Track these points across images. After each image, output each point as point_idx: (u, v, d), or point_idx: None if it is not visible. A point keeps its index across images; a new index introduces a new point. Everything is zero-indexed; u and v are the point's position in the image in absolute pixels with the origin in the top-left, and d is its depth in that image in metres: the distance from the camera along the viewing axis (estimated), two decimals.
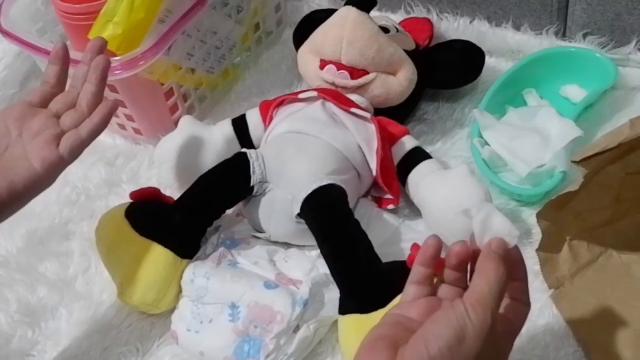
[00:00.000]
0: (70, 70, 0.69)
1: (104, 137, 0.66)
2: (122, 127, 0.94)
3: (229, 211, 0.77)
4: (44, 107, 0.66)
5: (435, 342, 0.43)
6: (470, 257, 0.49)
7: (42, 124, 0.64)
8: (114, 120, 0.91)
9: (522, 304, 0.50)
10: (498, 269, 0.46)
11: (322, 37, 0.81)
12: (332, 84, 0.82)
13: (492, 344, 0.45)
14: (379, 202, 0.80)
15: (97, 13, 0.80)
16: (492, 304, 0.45)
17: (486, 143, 0.84)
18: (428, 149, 0.82)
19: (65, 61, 0.69)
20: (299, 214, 0.71)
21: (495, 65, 0.96)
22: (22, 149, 0.63)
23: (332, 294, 0.69)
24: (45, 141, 0.63)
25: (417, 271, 0.51)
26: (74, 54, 0.70)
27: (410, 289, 0.51)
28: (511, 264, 0.48)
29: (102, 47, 0.69)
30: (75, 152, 0.64)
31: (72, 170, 0.65)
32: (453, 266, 0.50)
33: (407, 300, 0.50)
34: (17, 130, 0.64)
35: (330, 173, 0.73)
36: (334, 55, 0.80)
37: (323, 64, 0.82)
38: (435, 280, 0.52)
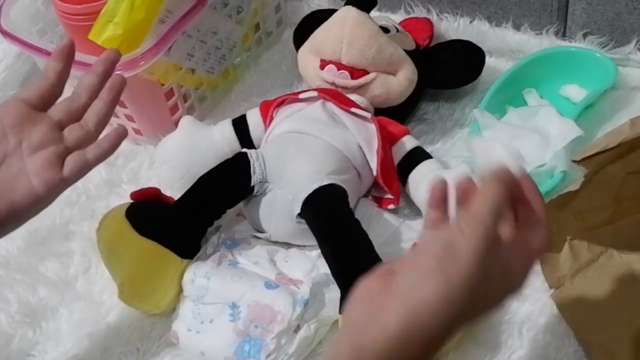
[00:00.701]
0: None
1: None
2: None
3: (229, 211, 0.77)
4: (43, 108, 0.62)
5: (424, 258, 0.42)
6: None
7: (45, 137, 0.60)
8: (114, 120, 0.90)
9: (538, 227, 0.48)
10: (492, 188, 0.45)
11: (322, 37, 0.81)
12: (333, 84, 0.82)
13: (501, 265, 0.44)
14: (380, 202, 0.80)
15: (97, 13, 0.80)
16: (487, 219, 0.43)
17: None
18: (428, 149, 0.82)
19: (69, 60, 0.64)
20: (299, 214, 0.71)
21: (496, 65, 0.96)
22: (21, 163, 0.59)
23: (333, 293, 0.69)
24: (49, 162, 0.59)
25: (430, 215, 0.49)
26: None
27: (426, 235, 0.49)
28: (518, 188, 0.46)
29: (116, 60, 0.65)
30: (80, 175, 0.62)
31: None
32: (460, 197, 0.47)
33: None
34: (16, 138, 0.59)
35: (330, 173, 0.73)
36: (334, 55, 0.80)
37: (323, 64, 0.82)
38: None
